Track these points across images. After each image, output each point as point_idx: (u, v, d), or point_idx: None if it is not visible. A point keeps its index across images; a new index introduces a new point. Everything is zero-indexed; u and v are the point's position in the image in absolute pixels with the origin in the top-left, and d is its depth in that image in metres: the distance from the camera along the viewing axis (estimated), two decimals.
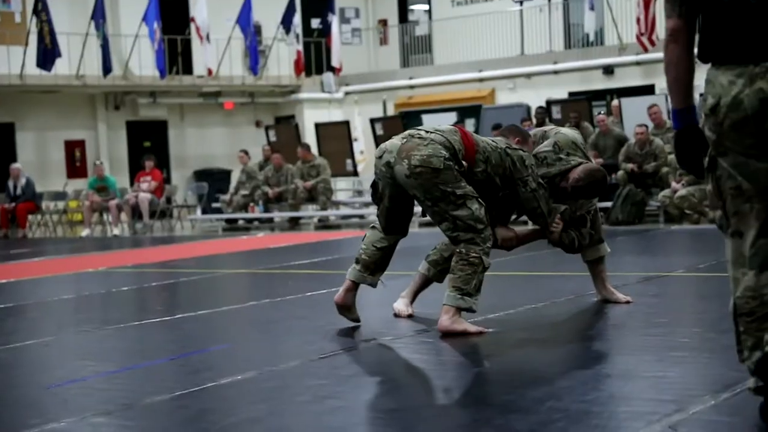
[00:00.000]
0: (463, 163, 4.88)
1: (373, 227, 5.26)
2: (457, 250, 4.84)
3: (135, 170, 19.66)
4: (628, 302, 5.56)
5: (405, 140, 4.93)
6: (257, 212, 17.09)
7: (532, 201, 5.12)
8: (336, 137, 18.44)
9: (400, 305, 5.51)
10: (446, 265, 5.23)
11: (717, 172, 2.95)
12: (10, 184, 17.44)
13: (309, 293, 6.76)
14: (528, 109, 17.42)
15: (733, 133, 2.89)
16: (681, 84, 2.98)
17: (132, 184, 18.54)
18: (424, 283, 5.52)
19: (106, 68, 20.12)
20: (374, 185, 5.17)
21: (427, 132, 4.93)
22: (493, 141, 5.12)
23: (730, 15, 2.90)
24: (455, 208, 4.80)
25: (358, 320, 5.25)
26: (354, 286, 5.23)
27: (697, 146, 3.00)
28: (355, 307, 5.26)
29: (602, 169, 5.52)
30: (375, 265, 5.20)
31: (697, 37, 3.01)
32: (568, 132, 5.54)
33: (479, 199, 4.86)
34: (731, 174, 2.92)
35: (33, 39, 19.41)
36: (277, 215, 16.90)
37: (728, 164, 2.93)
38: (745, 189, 2.91)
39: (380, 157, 4.97)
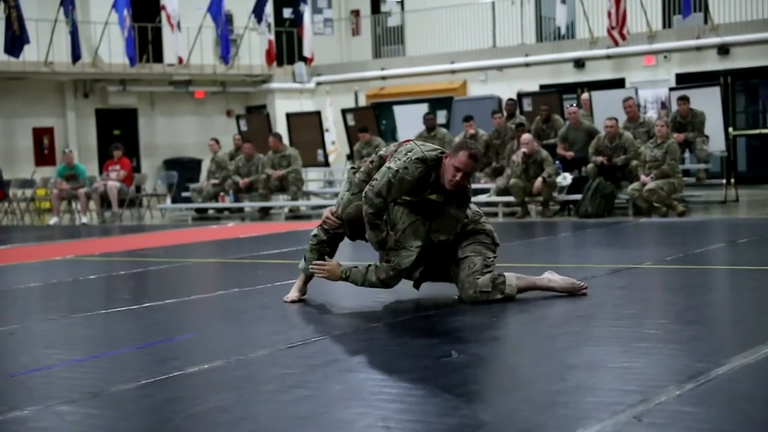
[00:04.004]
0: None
1: None
2: None
3: (104, 158, 19.52)
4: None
5: None
6: (227, 202, 17.03)
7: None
8: (307, 127, 18.41)
9: None
10: None
11: None
12: None
13: (278, 283, 6.75)
14: (499, 101, 17.47)
15: None
16: None
17: (101, 172, 18.41)
18: None
19: (75, 55, 19.94)
20: None
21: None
22: (402, 157, 5.21)
23: None
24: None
25: None
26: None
27: None
28: None
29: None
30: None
31: None
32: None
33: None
34: None
35: (1, 25, 19.19)
36: (248, 205, 16.85)
37: None
38: None
39: None
